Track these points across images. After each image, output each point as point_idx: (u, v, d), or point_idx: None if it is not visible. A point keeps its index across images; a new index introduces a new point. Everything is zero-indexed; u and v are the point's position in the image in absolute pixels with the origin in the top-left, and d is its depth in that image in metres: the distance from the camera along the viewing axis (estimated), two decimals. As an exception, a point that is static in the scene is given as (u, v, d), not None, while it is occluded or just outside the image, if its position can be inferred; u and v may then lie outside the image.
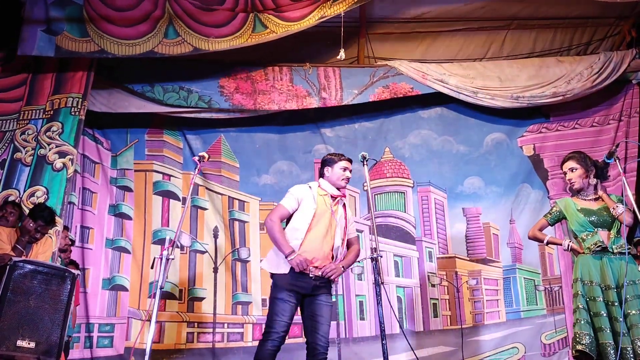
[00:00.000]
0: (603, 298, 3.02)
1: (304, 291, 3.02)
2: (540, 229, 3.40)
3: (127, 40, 4.20)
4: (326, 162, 3.27)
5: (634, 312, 2.95)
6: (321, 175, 3.28)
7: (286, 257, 2.94)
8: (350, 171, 3.25)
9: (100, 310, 4.64)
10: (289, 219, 3.18)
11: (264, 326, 3.02)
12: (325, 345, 3.00)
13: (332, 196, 3.17)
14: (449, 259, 5.21)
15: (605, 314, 2.97)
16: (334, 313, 4.92)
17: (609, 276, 3.03)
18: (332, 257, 3.11)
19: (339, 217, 3.17)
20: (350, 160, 3.27)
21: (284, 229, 3.14)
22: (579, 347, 2.95)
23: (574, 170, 3.25)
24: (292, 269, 2.97)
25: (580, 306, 3.06)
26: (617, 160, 3.06)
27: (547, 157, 5.32)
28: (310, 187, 3.20)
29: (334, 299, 4.73)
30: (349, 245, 3.28)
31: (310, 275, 2.99)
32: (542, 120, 5.42)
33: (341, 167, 3.20)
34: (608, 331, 2.93)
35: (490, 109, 5.25)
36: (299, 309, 3.11)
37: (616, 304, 2.98)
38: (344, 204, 3.26)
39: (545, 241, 3.37)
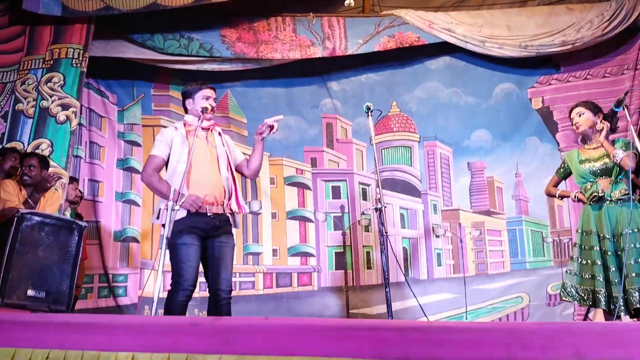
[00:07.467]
0: (599, 247, 2.94)
1: (204, 233, 2.65)
2: (554, 185, 3.32)
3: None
4: (186, 94, 2.84)
5: (631, 262, 2.81)
6: (185, 110, 2.85)
7: (176, 202, 2.51)
8: (215, 99, 2.82)
9: (113, 261, 4.47)
10: (166, 166, 2.77)
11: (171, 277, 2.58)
12: (228, 289, 2.64)
13: (202, 128, 2.74)
14: (452, 211, 4.95)
15: (600, 263, 2.92)
16: (342, 262, 4.75)
17: (605, 226, 2.94)
18: (225, 190, 2.73)
19: (218, 146, 2.79)
20: (213, 89, 2.83)
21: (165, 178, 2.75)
22: (565, 297, 3.09)
23: (581, 114, 3.11)
24: (187, 211, 2.59)
25: (574, 257, 3.04)
26: (625, 109, 2.83)
27: (557, 110, 4.84)
28: (176, 127, 2.81)
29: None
30: (240, 167, 2.89)
31: (208, 214, 2.63)
32: (552, 71, 4.91)
33: (202, 97, 2.79)
34: (602, 279, 2.89)
35: (500, 59, 4.78)
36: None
37: (609, 253, 2.91)
38: (219, 132, 2.86)
39: (557, 195, 3.27)
